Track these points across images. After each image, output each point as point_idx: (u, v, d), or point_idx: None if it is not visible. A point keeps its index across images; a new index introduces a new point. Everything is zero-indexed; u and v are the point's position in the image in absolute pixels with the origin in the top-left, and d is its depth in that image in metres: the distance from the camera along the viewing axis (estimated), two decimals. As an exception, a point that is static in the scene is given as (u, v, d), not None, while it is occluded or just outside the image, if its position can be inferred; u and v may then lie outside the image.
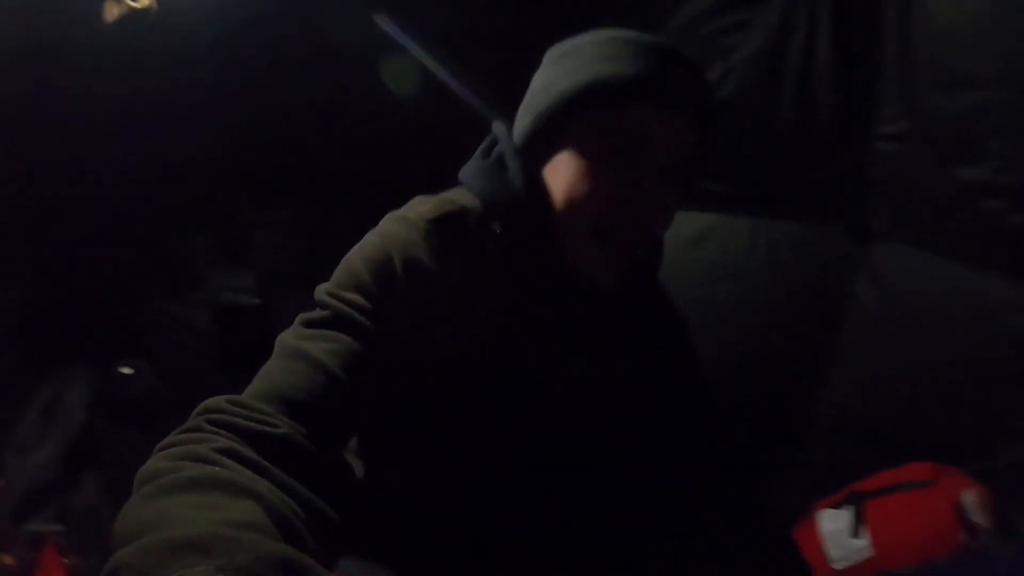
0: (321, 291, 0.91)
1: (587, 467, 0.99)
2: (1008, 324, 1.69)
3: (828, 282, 1.95)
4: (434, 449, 0.96)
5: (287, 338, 0.87)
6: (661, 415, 1.09)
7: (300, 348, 0.84)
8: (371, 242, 0.94)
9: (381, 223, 0.97)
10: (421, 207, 0.96)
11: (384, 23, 1.92)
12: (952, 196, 1.71)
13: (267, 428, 0.75)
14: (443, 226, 0.93)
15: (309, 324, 0.88)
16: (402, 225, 0.94)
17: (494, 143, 1.04)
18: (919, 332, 1.82)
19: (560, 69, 0.99)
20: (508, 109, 1.07)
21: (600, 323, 1.04)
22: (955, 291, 1.76)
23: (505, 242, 0.96)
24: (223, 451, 0.70)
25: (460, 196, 0.99)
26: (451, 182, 1.03)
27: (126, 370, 2.11)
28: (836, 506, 1.71)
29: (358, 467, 0.99)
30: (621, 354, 1.06)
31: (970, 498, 1.52)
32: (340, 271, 0.92)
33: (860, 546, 1.62)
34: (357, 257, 0.92)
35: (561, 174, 0.97)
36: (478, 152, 1.05)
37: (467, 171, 1.03)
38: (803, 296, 1.95)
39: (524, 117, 1.02)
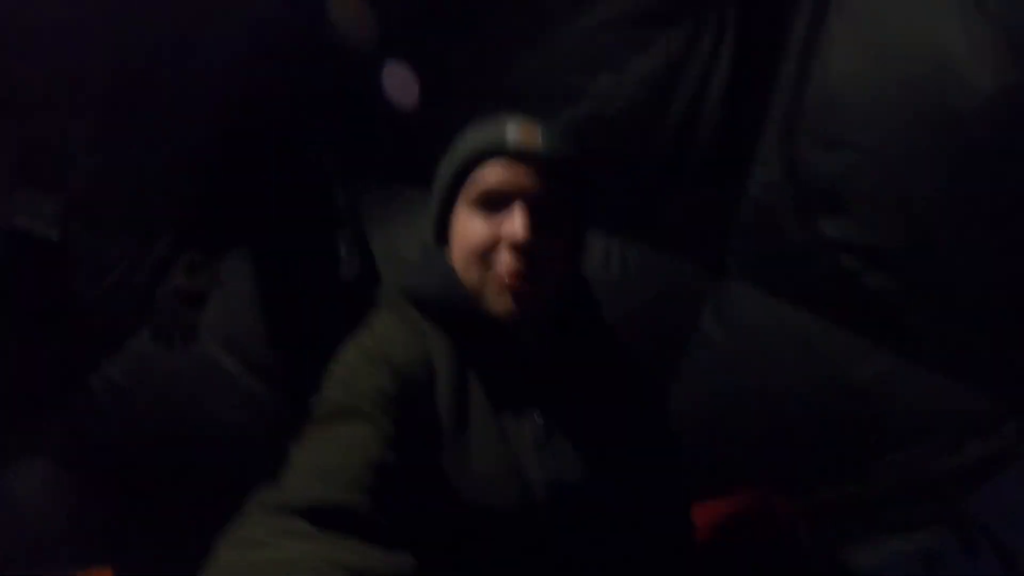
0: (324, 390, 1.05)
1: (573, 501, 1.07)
2: (847, 374, 1.75)
3: (675, 309, 1.97)
4: (430, 508, 1.02)
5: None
6: (625, 441, 1.17)
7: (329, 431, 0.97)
8: (351, 351, 1.10)
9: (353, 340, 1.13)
10: (377, 324, 1.15)
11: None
12: (812, 248, 1.76)
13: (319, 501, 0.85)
14: (398, 328, 1.12)
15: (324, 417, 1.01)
16: (367, 337, 1.12)
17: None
18: (759, 369, 1.85)
19: (445, 159, 1.20)
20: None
21: (537, 365, 1.15)
22: (799, 337, 1.81)
23: (438, 318, 1.13)
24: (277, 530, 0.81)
25: (399, 307, 1.18)
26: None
27: None
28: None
29: None
30: (567, 391, 1.16)
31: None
32: (333, 374, 1.07)
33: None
34: (348, 360, 1.08)
35: (455, 239, 1.15)
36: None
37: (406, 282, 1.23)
38: (648, 318, 1.94)
39: (431, 204, 1.22)
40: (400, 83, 1.89)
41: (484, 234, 1.09)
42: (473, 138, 1.16)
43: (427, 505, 1.00)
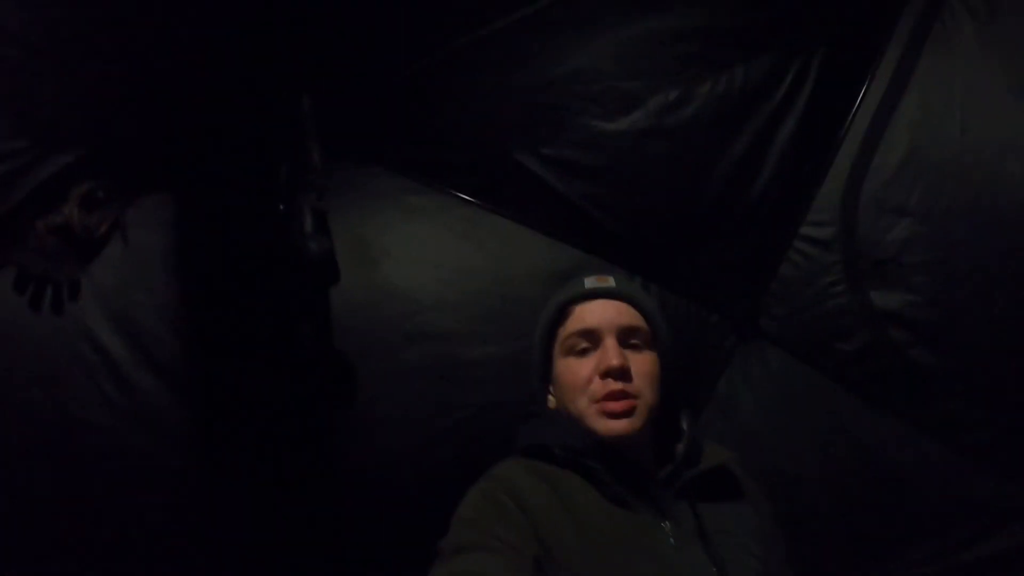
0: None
1: None
2: (881, 458, 1.66)
3: (698, 365, 1.83)
4: None
5: None
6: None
7: None
8: (473, 496, 1.21)
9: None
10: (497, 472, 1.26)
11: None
12: (857, 318, 1.67)
13: None
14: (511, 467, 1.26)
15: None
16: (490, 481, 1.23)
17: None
18: (780, 444, 1.74)
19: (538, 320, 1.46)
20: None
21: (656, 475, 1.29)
22: (831, 413, 1.71)
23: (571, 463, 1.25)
24: None
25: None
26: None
27: None
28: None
29: None
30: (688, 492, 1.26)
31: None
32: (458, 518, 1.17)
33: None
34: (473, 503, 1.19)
35: (558, 381, 1.37)
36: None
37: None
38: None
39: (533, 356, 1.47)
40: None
41: (584, 370, 1.30)
42: (557, 296, 1.42)
43: None
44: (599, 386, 1.26)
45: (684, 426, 1.35)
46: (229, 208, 1.55)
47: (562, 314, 1.37)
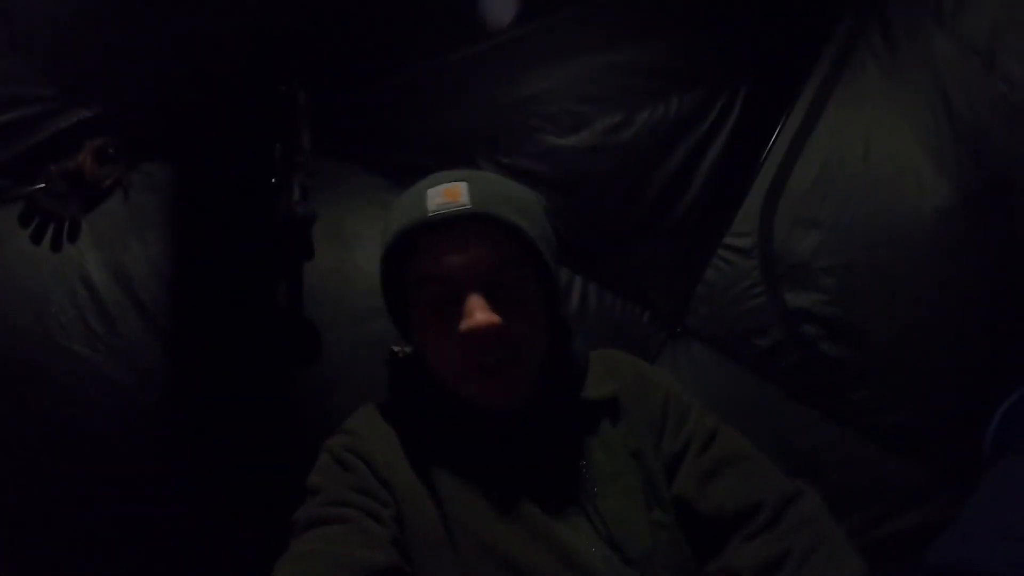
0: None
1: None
2: (792, 443, 1.82)
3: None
4: None
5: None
6: None
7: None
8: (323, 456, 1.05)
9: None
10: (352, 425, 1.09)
11: None
12: (774, 316, 1.89)
13: None
14: (368, 421, 1.07)
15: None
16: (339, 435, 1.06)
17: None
18: None
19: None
20: None
21: (524, 446, 1.03)
22: (748, 401, 1.89)
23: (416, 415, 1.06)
24: None
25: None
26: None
27: None
28: None
29: None
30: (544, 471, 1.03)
31: None
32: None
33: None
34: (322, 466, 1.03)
35: (419, 337, 1.03)
36: None
37: None
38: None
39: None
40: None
41: (443, 330, 0.96)
42: (395, 217, 1.00)
43: None
44: (463, 355, 0.96)
45: (574, 348, 1.11)
46: (224, 178, 1.74)
47: (405, 245, 0.97)
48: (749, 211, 1.97)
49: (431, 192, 0.96)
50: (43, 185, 1.53)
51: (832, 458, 1.82)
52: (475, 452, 1.00)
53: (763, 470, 1.04)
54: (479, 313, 0.91)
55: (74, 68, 1.59)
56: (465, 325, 0.92)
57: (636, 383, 1.12)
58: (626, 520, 0.98)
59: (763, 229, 1.93)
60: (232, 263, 1.71)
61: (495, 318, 0.92)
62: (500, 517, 0.95)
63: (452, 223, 0.94)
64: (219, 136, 1.73)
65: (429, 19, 1.81)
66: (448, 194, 0.95)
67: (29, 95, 1.54)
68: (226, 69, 1.73)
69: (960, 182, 1.74)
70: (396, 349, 1.14)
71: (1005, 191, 1.69)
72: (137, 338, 1.60)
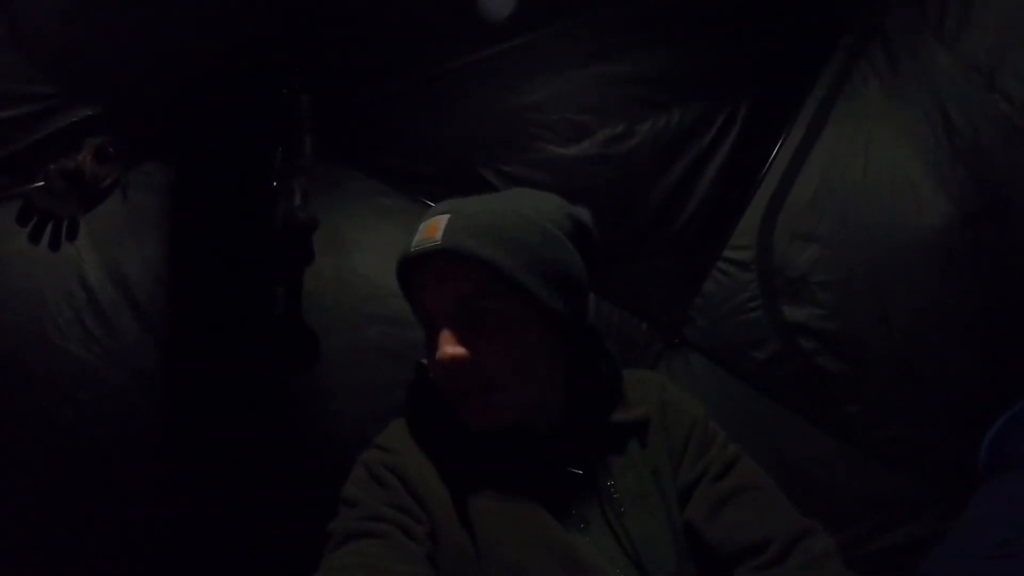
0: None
1: None
2: (787, 454, 1.83)
3: (625, 365, 1.92)
4: None
5: None
6: None
7: None
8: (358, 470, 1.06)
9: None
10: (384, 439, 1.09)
11: None
12: (770, 329, 1.89)
13: None
14: (400, 437, 1.07)
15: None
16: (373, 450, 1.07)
17: None
18: None
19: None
20: None
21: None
22: (744, 412, 1.89)
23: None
24: None
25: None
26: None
27: None
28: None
29: None
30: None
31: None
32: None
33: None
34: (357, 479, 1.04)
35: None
36: None
37: None
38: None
39: None
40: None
41: (432, 353, 1.00)
42: (402, 246, 1.03)
43: None
44: (445, 380, 1.00)
45: (602, 367, 1.12)
46: (224, 180, 1.74)
47: (402, 275, 1.04)
48: (748, 224, 1.98)
49: (420, 227, 1.01)
50: (42, 184, 1.52)
51: (826, 471, 1.83)
52: (503, 471, 1.01)
53: (776, 504, 1.03)
54: (446, 347, 0.96)
55: (76, 67, 1.58)
56: (436, 356, 0.97)
57: (661, 409, 1.12)
58: (652, 541, 0.99)
59: (762, 243, 1.94)
60: (230, 267, 1.70)
61: (460, 351, 0.96)
62: (525, 537, 0.96)
63: (427, 259, 0.98)
64: (220, 138, 1.73)
65: (432, 25, 1.81)
66: (429, 230, 0.99)
67: (30, 93, 1.53)
68: (229, 71, 1.72)
69: (958, 200, 1.75)
70: (423, 362, 1.12)
71: (1003, 210, 1.70)
72: (133, 340, 1.60)
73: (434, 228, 0.98)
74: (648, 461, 1.06)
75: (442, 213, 1.00)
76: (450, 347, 0.96)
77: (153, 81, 1.67)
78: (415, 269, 1.00)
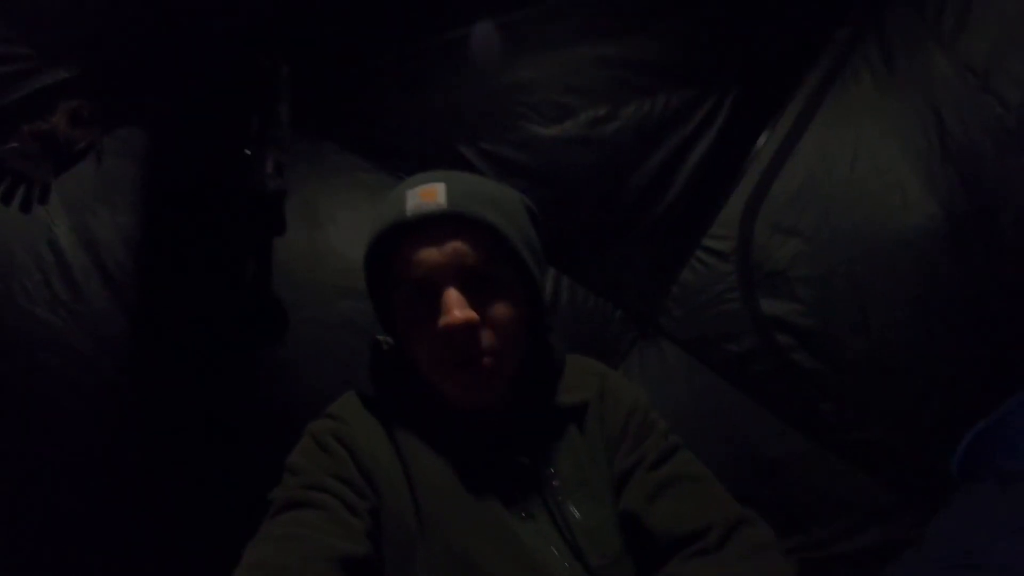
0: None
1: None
2: (760, 451, 1.82)
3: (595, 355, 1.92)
4: None
5: None
6: None
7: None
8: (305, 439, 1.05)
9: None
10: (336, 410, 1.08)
11: None
12: (748, 322, 1.86)
13: None
14: (353, 409, 1.07)
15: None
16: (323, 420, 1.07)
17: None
18: (670, 427, 1.82)
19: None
20: None
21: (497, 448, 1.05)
22: (717, 406, 1.88)
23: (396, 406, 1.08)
24: None
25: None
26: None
27: None
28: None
29: None
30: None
31: None
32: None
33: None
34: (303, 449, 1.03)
35: (403, 333, 1.05)
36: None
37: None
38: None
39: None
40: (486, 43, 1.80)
41: (423, 324, 0.98)
42: (378, 219, 1.03)
43: None
44: (442, 349, 0.97)
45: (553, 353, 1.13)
46: (199, 147, 1.72)
47: (386, 246, 1.02)
48: (730, 214, 1.95)
49: (410, 193, 0.99)
50: (15, 145, 1.53)
51: (796, 469, 1.81)
52: (449, 449, 1.02)
53: (714, 493, 1.01)
54: (456, 310, 0.94)
55: (53, 29, 1.56)
56: (443, 321, 0.94)
57: (600, 395, 1.13)
58: (593, 528, 1.00)
59: (743, 233, 1.91)
60: (201, 235, 1.69)
61: (472, 314, 0.95)
62: (467, 516, 0.96)
63: (429, 223, 0.97)
64: (196, 105, 1.72)
65: (419, -1, 1.80)
66: (425, 195, 0.98)
67: (6, 54, 1.52)
68: (208, 38, 1.71)
69: (946, 202, 1.72)
70: (380, 339, 1.14)
71: (991, 214, 1.67)
72: (101, 306, 1.59)
73: (431, 193, 0.98)
74: (585, 447, 1.07)
75: (435, 181, 1.00)
76: (461, 311, 0.94)
77: (131, 46, 1.66)
78: (406, 236, 0.99)
